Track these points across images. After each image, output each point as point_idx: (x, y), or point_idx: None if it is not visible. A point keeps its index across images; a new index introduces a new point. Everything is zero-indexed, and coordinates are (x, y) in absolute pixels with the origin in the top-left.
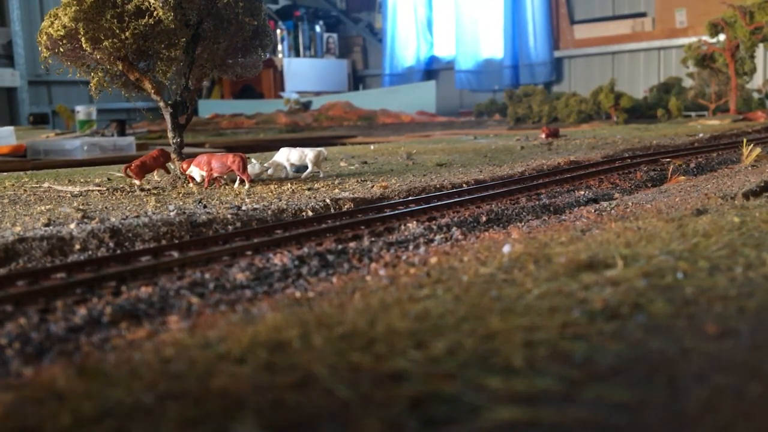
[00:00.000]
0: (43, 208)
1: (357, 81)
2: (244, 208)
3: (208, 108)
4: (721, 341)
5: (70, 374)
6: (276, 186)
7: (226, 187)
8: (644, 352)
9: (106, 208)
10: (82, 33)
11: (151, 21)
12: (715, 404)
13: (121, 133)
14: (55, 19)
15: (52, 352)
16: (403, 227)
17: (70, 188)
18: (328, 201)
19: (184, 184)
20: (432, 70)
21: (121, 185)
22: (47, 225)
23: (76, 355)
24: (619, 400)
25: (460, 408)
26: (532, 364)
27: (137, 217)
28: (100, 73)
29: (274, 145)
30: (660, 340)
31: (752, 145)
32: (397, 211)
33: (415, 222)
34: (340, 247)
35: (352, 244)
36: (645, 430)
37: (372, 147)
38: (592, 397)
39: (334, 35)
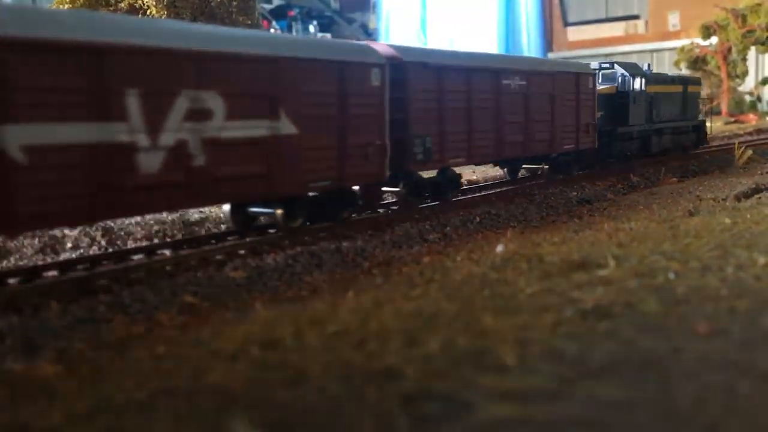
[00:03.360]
0: None
1: None
2: None
3: None
4: (712, 340)
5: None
6: None
7: None
8: (636, 350)
9: None
10: None
11: None
12: (706, 402)
13: None
14: None
15: None
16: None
17: None
18: None
19: None
20: None
21: None
22: None
23: None
24: (611, 398)
25: (453, 405)
26: (525, 362)
27: None
28: None
29: None
30: (651, 339)
31: (744, 147)
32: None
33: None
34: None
35: None
36: (636, 427)
37: None
38: (584, 395)
39: (328, 35)
